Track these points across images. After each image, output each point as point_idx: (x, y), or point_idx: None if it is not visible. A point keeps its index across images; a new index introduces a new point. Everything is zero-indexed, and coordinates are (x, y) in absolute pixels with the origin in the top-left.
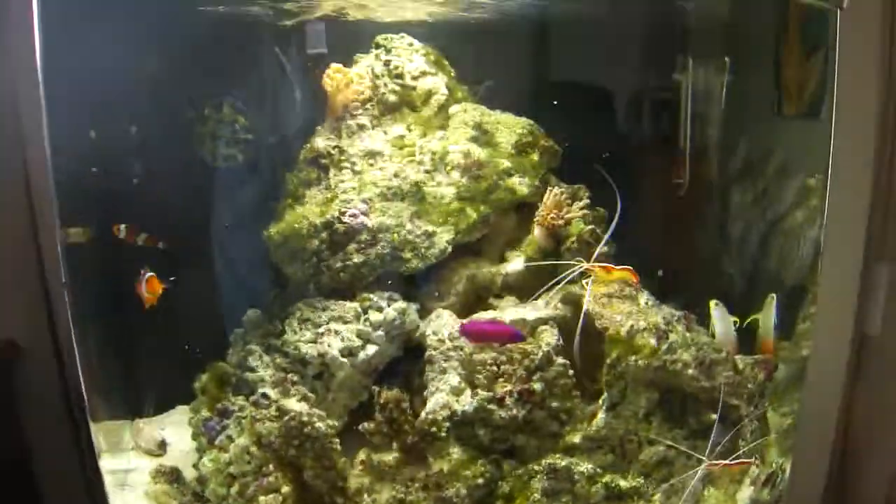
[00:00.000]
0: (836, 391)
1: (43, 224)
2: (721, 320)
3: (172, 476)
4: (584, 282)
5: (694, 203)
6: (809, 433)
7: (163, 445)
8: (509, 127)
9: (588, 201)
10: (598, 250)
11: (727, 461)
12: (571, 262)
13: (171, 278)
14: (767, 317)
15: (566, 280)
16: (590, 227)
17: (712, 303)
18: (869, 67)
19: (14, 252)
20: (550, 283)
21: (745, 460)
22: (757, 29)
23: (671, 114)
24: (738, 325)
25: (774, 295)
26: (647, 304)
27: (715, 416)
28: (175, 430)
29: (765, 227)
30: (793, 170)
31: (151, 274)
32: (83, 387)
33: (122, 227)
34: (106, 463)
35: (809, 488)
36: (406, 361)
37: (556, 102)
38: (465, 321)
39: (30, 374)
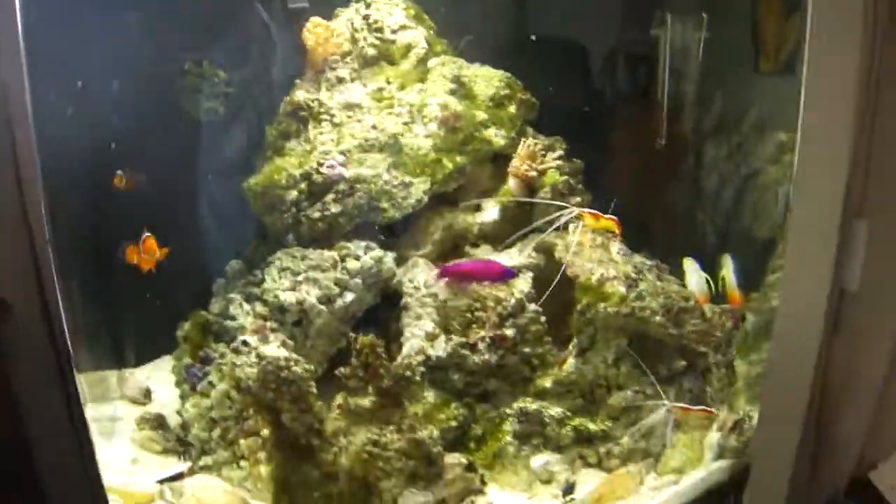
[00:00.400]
0: (812, 344)
1: (26, 180)
2: (693, 273)
3: (157, 422)
4: (571, 227)
5: (671, 157)
6: (782, 384)
7: (148, 394)
8: (487, 80)
9: (562, 152)
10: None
11: (688, 406)
12: (564, 205)
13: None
14: (728, 273)
15: (556, 225)
16: (563, 177)
17: (686, 259)
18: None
19: None
20: (530, 228)
21: (706, 408)
22: None
23: (649, 68)
24: (710, 284)
25: (728, 255)
26: (618, 253)
27: (683, 363)
28: (160, 378)
29: (739, 181)
30: (769, 125)
31: (149, 234)
32: (69, 341)
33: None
34: (94, 412)
35: (783, 440)
36: (384, 309)
37: (535, 56)
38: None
39: (18, 330)
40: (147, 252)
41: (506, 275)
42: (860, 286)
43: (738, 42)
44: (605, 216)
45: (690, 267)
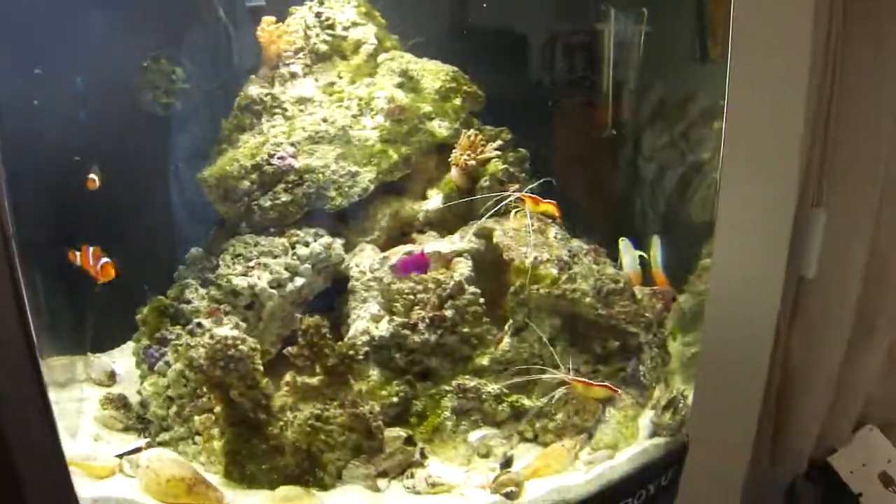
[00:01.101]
0: (769, 331)
1: None
2: (626, 254)
3: (119, 402)
4: (513, 212)
5: (615, 145)
6: (725, 367)
7: (113, 376)
8: (434, 74)
9: (503, 143)
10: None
11: (586, 380)
12: (508, 193)
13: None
14: (654, 255)
15: (498, 207)
16: (503, 167)
17: (621, 239)
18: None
19: None
20: (491, 212)
21: (606, 384)
22: None
23: (593, 59)
24: (643, 261)
25: (657, 235)
26: (555, 237)
27: (616, 343)
28: (125, 362)
29: (682, 167)
30: (714, 113)
31: (107, 260)
32: (32, 327)
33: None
34: (60, 394)
35: (730, 421)
36: (334, 292)
37: (484, 51)
38: (394, 259)
39: None
40: (105, 276)
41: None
42: (817, 274)
43: (683, 30)
44: (545, 201)
45: (625, 246)
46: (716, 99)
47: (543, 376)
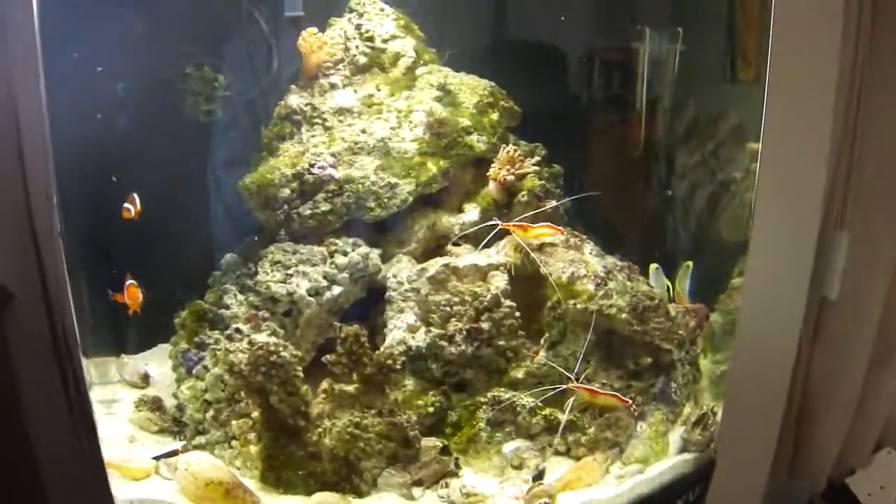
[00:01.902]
0: (791, 351)
1: (32, 168)
2: (656, 280)
3: (154, 404)
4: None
5: (648, 163)
6: (754, 385)
7: (146, 378)
8: (472, 88)
9: (539, 158)
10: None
11: (596, 389)
12: (495, 223)
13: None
14: (683, 280)
15: (487, 239)
16: (540, 182)
17: (652, 266)
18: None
19: (2, 198)
20: (460, 233)
21: (614, 394)
22: None
23: (628, 78)
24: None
25: (689, 262)
26: (591, 253)
27: (648, 359)
28: (157, 364)
29: (714, 187)
30: (746, 133)
31: (131, 282)
32: (76, 328)
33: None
34: (93, 394)
35: (754, 439)
36: (370, 302)
37: (521, 67)
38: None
39: (21, 319)
40: (131, 298)
41: None
42: (840, 296)
43: (715, 51)
44: (537, 225)
45: (655, 274)
46: (745, 118)
47: (547, 387)
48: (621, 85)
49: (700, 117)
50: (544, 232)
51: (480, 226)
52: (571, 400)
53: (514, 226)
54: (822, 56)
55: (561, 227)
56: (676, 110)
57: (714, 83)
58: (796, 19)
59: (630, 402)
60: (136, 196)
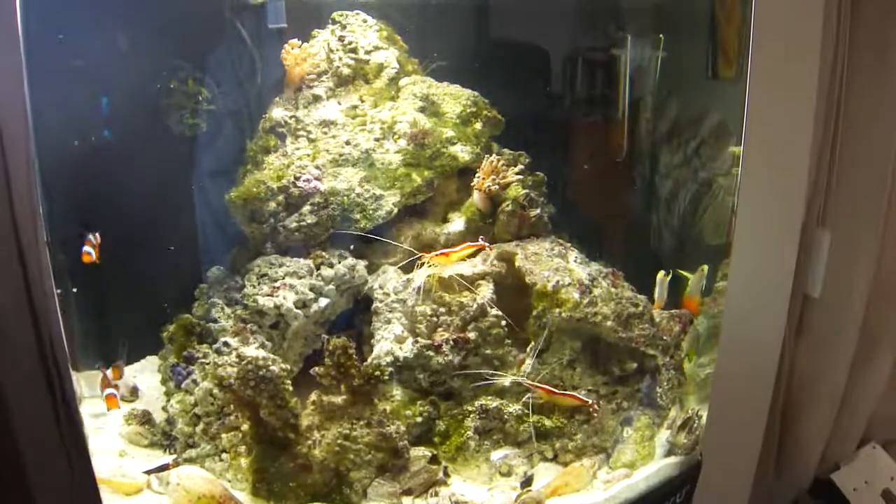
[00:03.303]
0: (775, 348)
1: (17, 182)
2: (659, 287)
3: (144, 418)
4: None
5: (631, 168)
6: (739, 386)
7: (135, 391)
8: (455, 98)
9: (523, 167)
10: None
11: (543, 385)
12: (420, 254)
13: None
14: (697, 281)
15: (414, 271)
16: (524, 191)
17: (660, 273)
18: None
19: None
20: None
21: (574, 394)
22: None
23: (611, 84)
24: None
25: (706, 266)
26: (575, 261)
27: (634, 365)
28: (146, 378)
29: (697, 189)
30: (728, 131)
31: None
32: (65, 342)
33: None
34: (83, 408)
35: (740, 439)
36: (357, 313)
37: (502, 75)
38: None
39: (8, 332)
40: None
41: None
42: (823, 293)
43: (696, 50)
44: (459, 248)
45: (660, 281)
46: (726, 116)
47: (497, 379)
48: (604, 88)
49: (682, 117)
50: (466, 252)
51: (401, 262)
52: (528, 397)
53: (434, 256)
54: (803, 55)
55: (485, 243)
56: (658, 113)
57: (696, 82)
58: (777, 16)
59: (590, 401)
60: (93, 237)
